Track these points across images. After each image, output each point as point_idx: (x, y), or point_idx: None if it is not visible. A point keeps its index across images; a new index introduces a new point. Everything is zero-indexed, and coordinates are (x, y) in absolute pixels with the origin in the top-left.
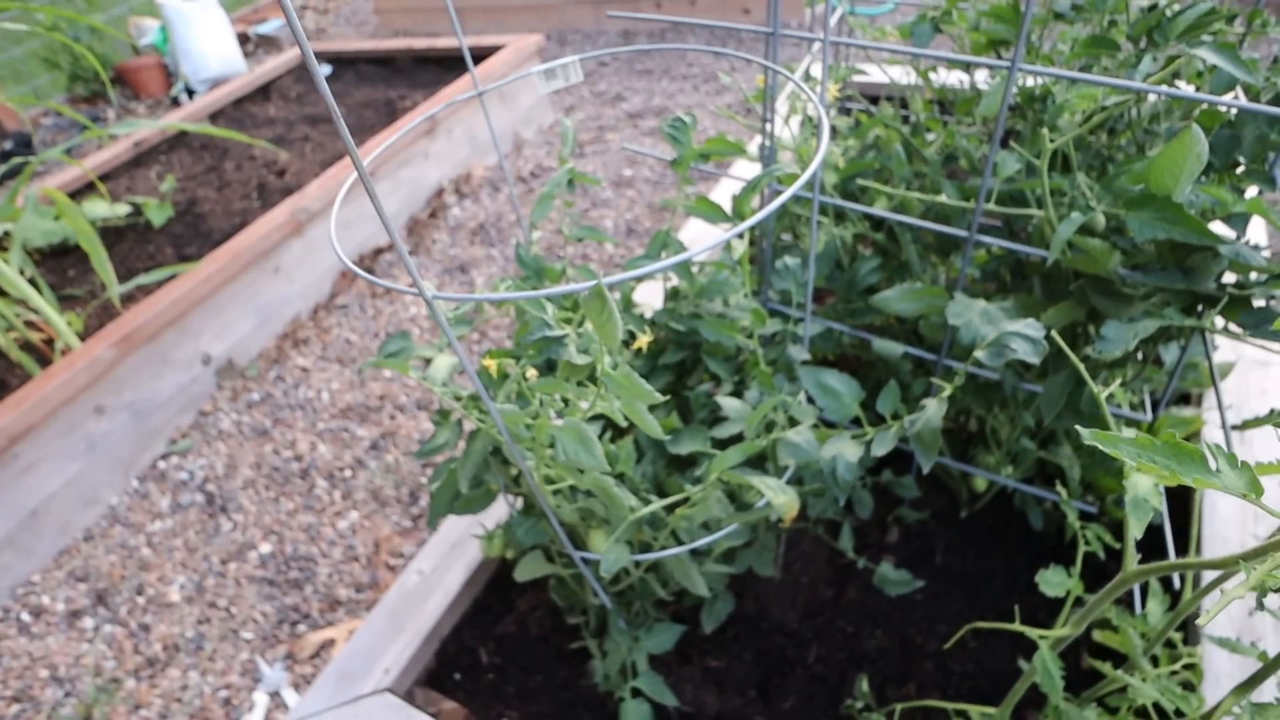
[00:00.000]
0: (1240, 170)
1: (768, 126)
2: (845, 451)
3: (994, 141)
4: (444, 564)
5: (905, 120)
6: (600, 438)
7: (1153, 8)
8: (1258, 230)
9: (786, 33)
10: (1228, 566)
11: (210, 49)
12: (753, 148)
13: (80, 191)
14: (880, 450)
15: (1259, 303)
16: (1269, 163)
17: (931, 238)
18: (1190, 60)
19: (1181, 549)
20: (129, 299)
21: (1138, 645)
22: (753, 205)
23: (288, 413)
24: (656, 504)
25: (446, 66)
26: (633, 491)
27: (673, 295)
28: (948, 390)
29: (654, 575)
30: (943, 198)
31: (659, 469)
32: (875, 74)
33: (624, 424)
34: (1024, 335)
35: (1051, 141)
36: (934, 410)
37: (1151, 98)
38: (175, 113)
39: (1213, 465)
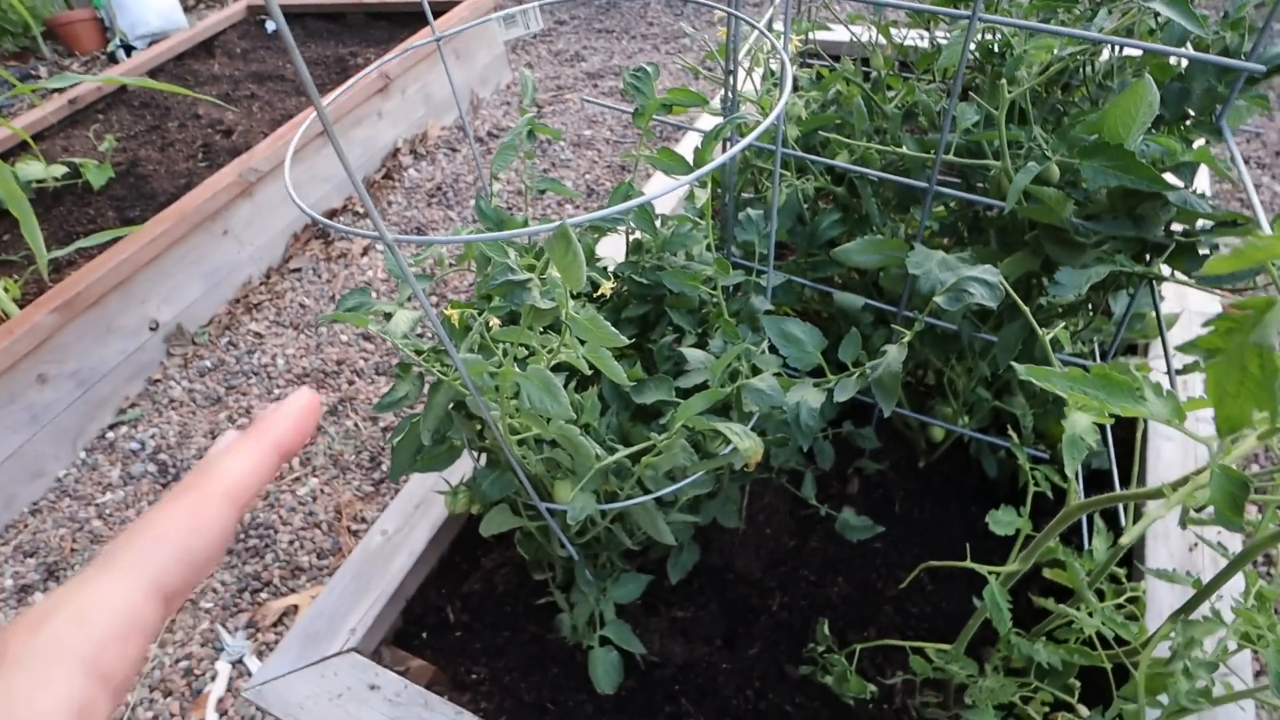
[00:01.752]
0: (1189, 122)
1: (730, 79)
2: (809, 397)
3: (953, 94)
4: (408, 524)
5: (867, 77)
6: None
7: None
8: (1203, 181)
9: None
10: (1162, 514)
11: (149, 2)
12: (716, 101)
13: (11, 153)
14: (843, 396)
15: (1204, 250)
16: (1216, 115)
17: (891, 193)
18: (1144, 17)
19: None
20: (69, 264)
21: (1083, 580)
22: (715, 155)
23: (242, 379)
24: (622, 452)
25: (400, 23)
26: (598, 442)
27: (635, 249)
28: (908, 336)
29: (620, 526)
30: (903, 149)
31: (624, 420)
32: (839, 33)
33: (589, 372)
34: (981, 280)
35: (1010, 93)
36: (894, 355)
37: (1106, 55)
38: (113, 69)
39: (1136, 399)
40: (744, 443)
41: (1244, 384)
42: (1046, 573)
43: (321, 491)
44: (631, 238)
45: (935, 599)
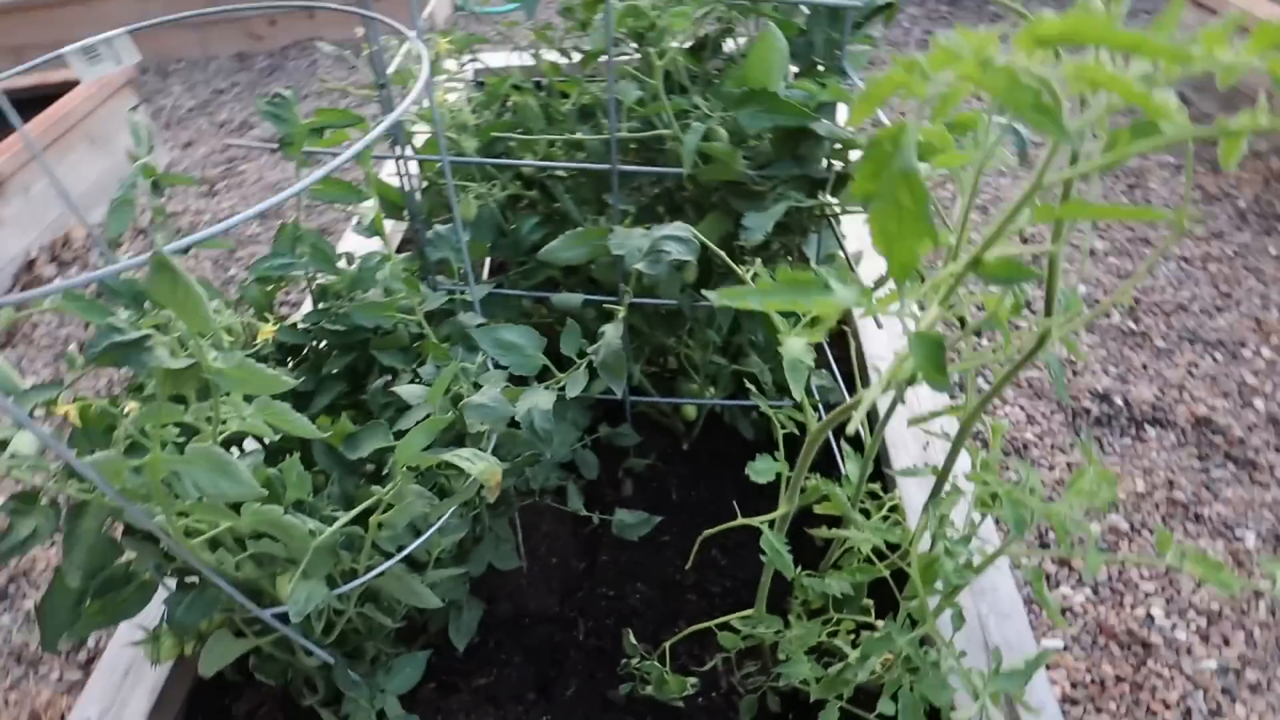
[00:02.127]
0: (820, 69)
1: (384, 91)
2: (539, 401)
3: (609, 72)
4: (117, 700)
5: (539, 86)
6: (274, 465)
7: None
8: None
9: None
10: (880, 392)
11: None
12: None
13: None
14: (574, 391)
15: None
16: (839, 59)
17: (587, 189)
18: None
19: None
20: None
21: (846, 503)
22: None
23: None
24: (343, 519)
25: (23, 107)
26: (320, 519)
27: (321, 294)
28: (622, 312)
29: (375, 606)
30: (580, 137)
31: (349, 487)
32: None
33: (273, 436)
34: (675, 237)
35: (660, 63)
36: (612, 333)
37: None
38: None
39: (824, 291)
40: (477, 466)
41: (902, 220)
42: (818, 509)
43: (7, 701)
44: (315, 284)
45: (732, 572)
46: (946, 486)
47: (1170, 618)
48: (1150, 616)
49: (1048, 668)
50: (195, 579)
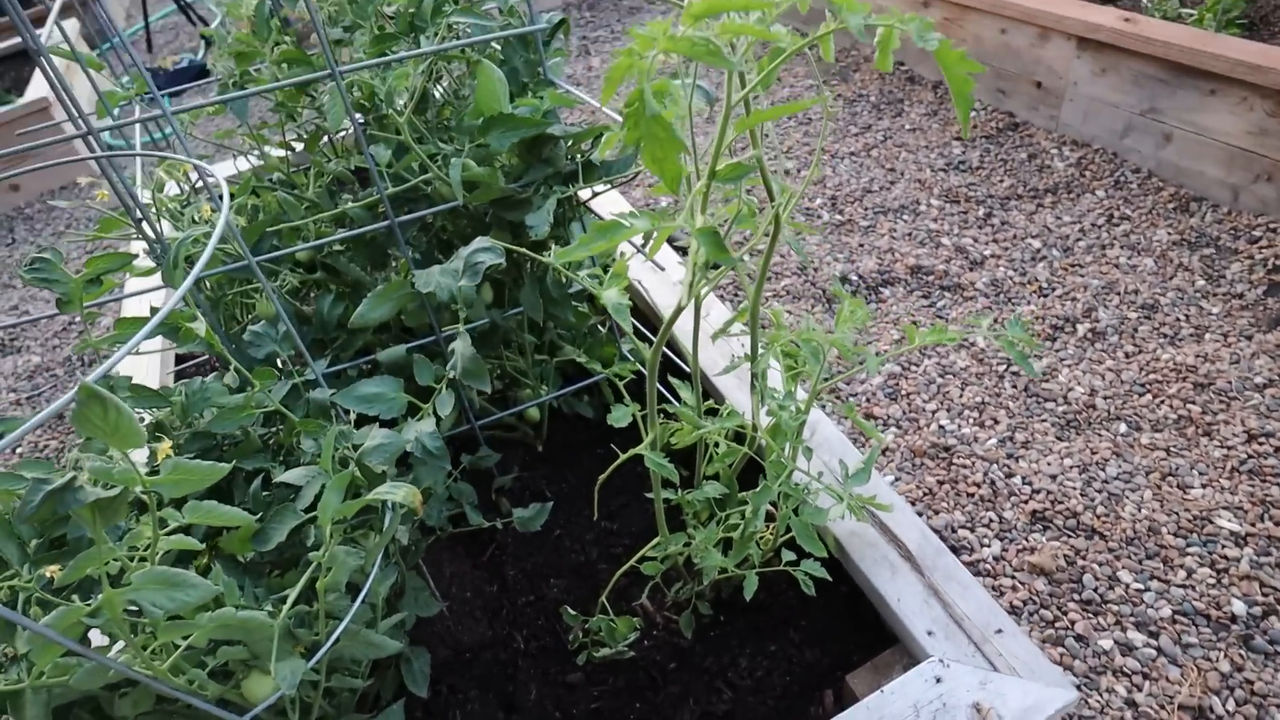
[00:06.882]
0: (530, 85)
1: (143, 225)
2: (421, 428)
3: (359, 136)
4: None
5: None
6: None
7: (398, 11)
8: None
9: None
10: (690, 281)
11: None
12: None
13: None
14: (445, 410)
15: (597, 161)
16: (542, 74)
17: (364, 255)
18: (452, 33)
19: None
20: None
21: (690, 413)
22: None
23: None
24: (291, 595)
25: None
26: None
27: (156, 431)
28: (461, 326)
29: (340, 676)
30: (345, 207)
31: (271, 582)
32: (232, 164)
33: (201, 546)
34: (482, 249)
35: (400, 117)
36: (463, 345)
37: (445, 82)
38: None
39: (626, 224)
40: (399, 493)
41: (662, 146)
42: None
43: None
44: (149, 421)
45: (625, 530)
46: (760, 354)
47: (954, 421)
48: (941, 427)
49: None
50: None
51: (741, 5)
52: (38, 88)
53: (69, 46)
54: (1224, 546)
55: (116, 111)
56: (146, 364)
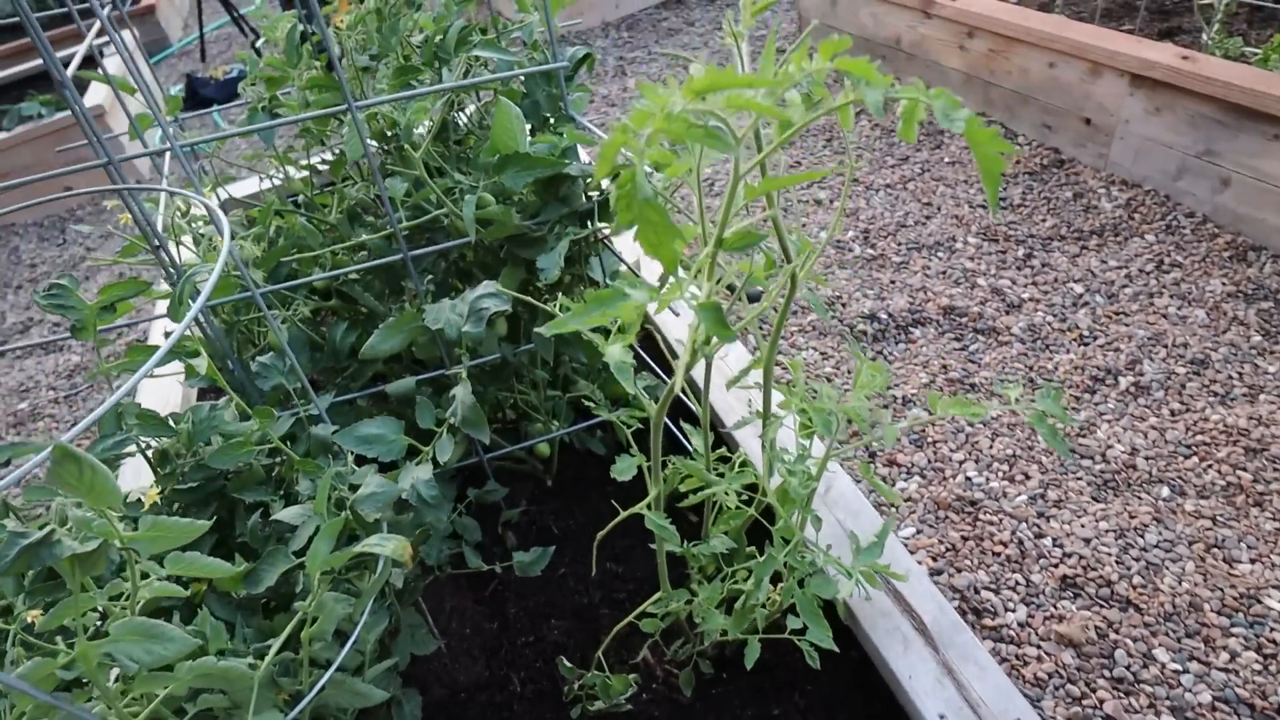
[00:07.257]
0: (553, 122)
1: (160, 253)
2: (418, 474)
3: (375, 172)
4: None
5: (297, 205)
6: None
7: (426, 39)
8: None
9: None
10: (689, 355)
11: None
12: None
13: None
14: (444, 455)
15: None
16: (564, 109)
17: (379, 284)
18: (479, 67)
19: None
20: None
21: (702, 468)
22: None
23: None
24: (275, 645)
25: None
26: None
27: (161, 459)
28: (463, 370)
29: None
30: (364, 239)
31: (261, 624)
32: (253, 183)
33: (185, 593)
34: (488, 295)
35: (417, 152)
36: (463, 392)
37: (472, 107)
38: None
39: (626, 294)
40: (388, 546)
41: (656, 231)
42: (683, 488)
43: None
44: (151, 449)
45: (629, 575)
46: (770, 419)
47: (982, 473)
48: (968, 479)
49: (911, 552)
50: None
51: (747, 83)
52: (95, 94)
53: (123, 59)
54: (1273, 629)
55: (157, 134)
56: (169, 384)
